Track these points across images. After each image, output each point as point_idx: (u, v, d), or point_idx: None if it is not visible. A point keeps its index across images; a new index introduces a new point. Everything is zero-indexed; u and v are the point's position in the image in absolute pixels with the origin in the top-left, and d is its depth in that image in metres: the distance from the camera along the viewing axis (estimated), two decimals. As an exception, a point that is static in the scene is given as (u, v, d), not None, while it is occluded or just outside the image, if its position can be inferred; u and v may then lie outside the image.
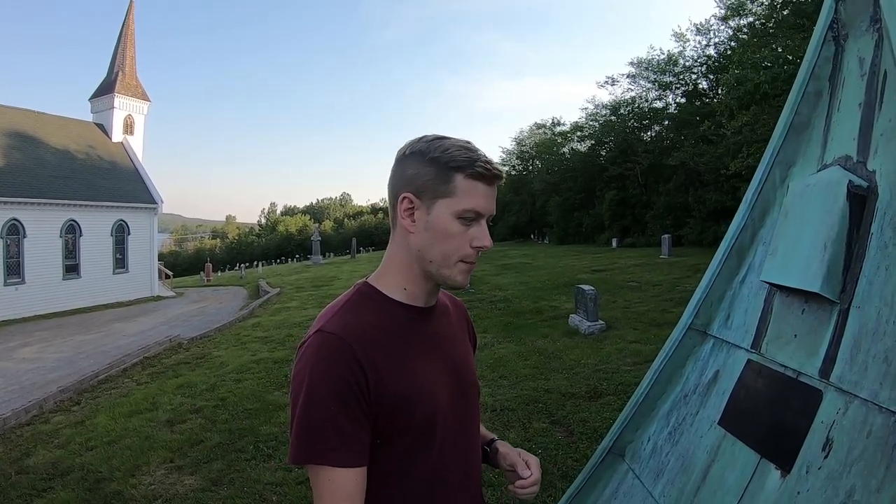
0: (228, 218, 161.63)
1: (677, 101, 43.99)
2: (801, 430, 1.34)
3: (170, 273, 40.94)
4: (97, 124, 32.58)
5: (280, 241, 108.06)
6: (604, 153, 50.47)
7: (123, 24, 34.61)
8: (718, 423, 1.63)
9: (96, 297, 26.16)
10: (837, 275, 1.37)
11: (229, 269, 67.78)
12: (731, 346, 1.76)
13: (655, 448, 1.86)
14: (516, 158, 71.74)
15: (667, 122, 44.67)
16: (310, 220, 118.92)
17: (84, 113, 34.17)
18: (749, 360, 1.64)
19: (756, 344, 1.66)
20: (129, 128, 33.21)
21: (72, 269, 26.33)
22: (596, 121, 50.96)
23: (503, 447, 1.61)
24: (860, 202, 1.37)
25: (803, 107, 1.73)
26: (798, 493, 1.28)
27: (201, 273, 47.77)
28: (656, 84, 44.00)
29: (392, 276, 1.41)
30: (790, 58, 12.43)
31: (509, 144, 78.50)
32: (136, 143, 33.29)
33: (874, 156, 1.40)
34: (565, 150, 58.10)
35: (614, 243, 40.87)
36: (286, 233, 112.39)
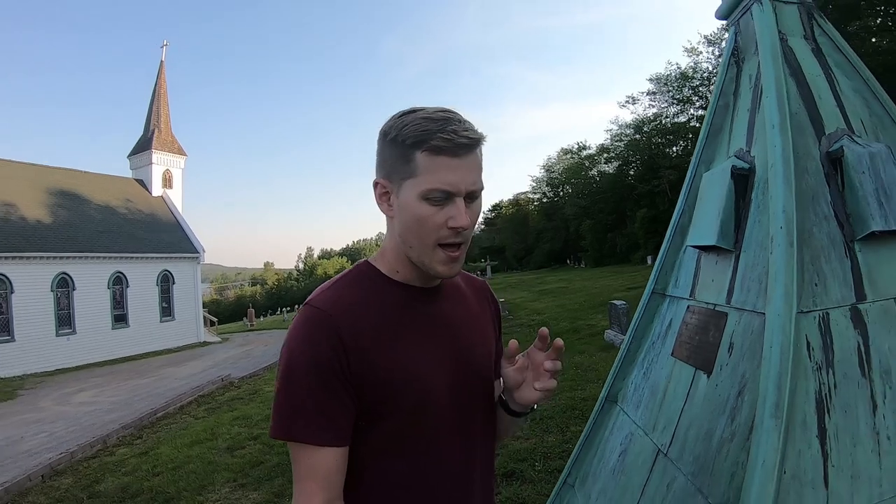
0: (266, 265, 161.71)
1: (697, 113, 44.20)
2: (717, 343, 1.80)
3: (214, 320, 41.93)
4: (137, 180, 33.86)
5: (319, 284, 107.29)
6: (632, 172, 50.82)
7: (156, 84, 35.97)
8: (671, 355, 2.09)
9: (145, 345, 27.01)
10: (730, 231, 1.85)
11: (271, 314, 68.24)
12: (679, 300, 2.21)
13: (636, 387, 2.30)
14: (546, 185, 71.84)
15: (690, 136, 44.84)
16: (347, 261, 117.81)
17: (123, 168, 35.46)
18: (688, 306, 2.10)
19: (692, 293, 2.12)
20: (167, 181, 34.39)
21: (120, 319, 27.25)
22: (621, 141, 51.45)
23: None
24: (743, 180, 1.85)
25: (717, 118, 2.24)
26: (716, 385, 1.74)
27: (244, 319, 48.41)
28: (676, 99, 44.26)
29: (388, 257, 1.38)
30: None
31: (539, 172, 78.29)
32: (176, 196, 34.51)
33: (754, 145, 1.91)
34: (594, 172, 58.27)
35: (649, 260, 40.43)
36: (324, 276, 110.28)
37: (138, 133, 35.76)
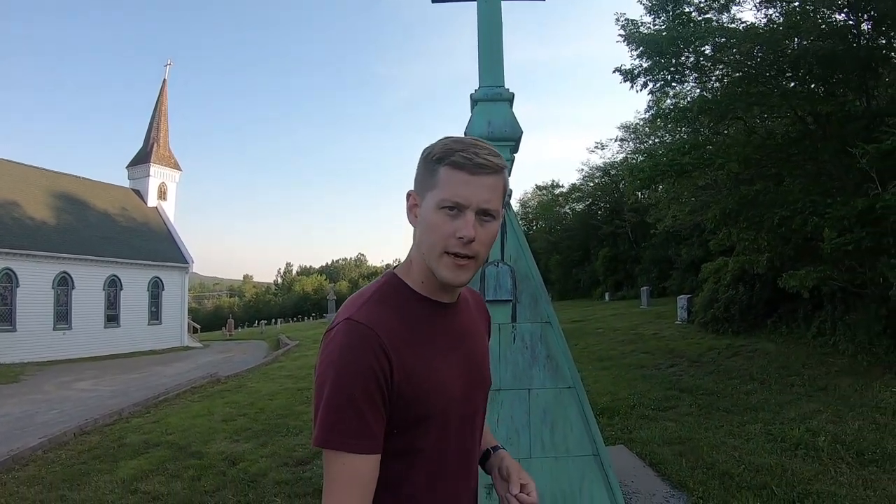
0: (245, 277, 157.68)
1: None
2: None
3: (197, 327, 43.59)
4: (134, 190, 36.02)
5: (296, 300, 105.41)
6: (599, 213, 52.25)
7: (157, 101, 38.12)
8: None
9: (132, 345, 28.96)
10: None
11: (248, 326, 69.10)
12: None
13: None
14: (520, 219, 71.93)
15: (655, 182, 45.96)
16: (325, 280, 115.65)
17: (120, 178, 37.60)
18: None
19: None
20: (162, 194, 36.61)
21: (112, 319, 29.48)
22: (592, 180, 52.92)
23: (507, 456, 1.63)
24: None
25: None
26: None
27: (223, 328, 50.14)
28: (644, 147, 45.51)
29: (414, 269, 1.43)
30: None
31: (515, 207, 78.51)
32: (169, 208, 36.71)
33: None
34: (566, 209, 59.51)
35: (607, 297, 42.61)
36: (302, 292, 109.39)
37: (138, 145, 37.82)
